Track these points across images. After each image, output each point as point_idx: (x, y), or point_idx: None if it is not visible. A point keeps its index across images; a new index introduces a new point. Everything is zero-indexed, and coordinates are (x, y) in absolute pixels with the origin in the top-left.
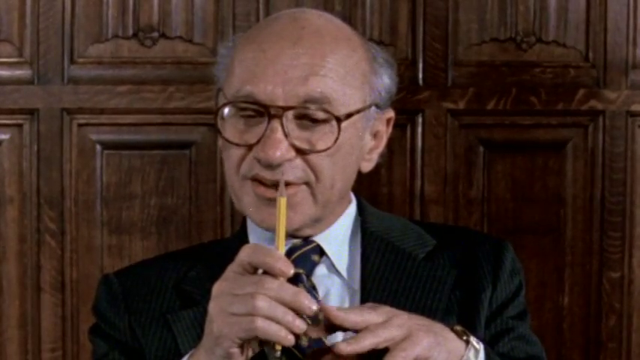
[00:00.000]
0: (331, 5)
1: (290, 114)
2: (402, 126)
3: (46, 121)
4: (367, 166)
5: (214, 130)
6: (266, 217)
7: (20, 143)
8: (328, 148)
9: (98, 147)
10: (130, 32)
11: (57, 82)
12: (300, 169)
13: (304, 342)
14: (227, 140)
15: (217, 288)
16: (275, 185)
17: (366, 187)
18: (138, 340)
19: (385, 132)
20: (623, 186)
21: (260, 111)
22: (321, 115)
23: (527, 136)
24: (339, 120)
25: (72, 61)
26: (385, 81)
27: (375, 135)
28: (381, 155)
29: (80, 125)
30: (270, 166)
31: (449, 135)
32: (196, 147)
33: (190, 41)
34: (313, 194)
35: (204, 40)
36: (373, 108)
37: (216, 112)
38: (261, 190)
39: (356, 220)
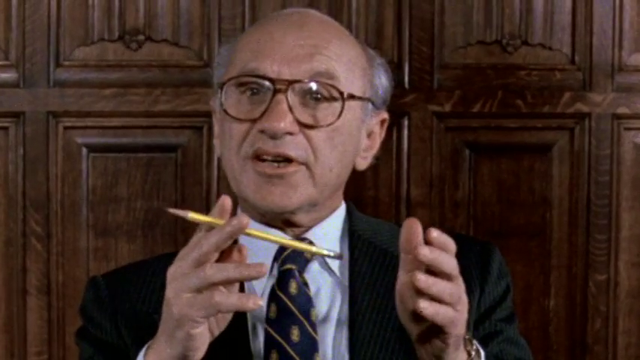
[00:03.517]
0: (317, 8)
1: (295, 88)
2: (387, 129)
3: (32, 124)
4: (362, 164)
5: (199, 132)
6: (266, 195)
7: (6, 146)
8: (331, 124)
9: (84, 150)
10: (116, 35)
11: (43, 85)
12: (302, 147)
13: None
14: (231, 116)
15: (170, 273)
16: (276, 161)
17: (351, 190)
18: (124, 342)
19: (379, 134)
20: (608, 189)
21: (265, 85)
22: (325, 91)
23: (513, 138)
24: (343, 95)
25: (58, 64)
26: (383, 81)
27: (370, 135)
28: (376, 157)
29: (66, 128)
30: (274, 137)
31: (435, 138)
32: (182, 150)
33: (176, 44)
34: (312, 176)
35: (190, 43)
36: (370, 105)
37: (220, 88)
38: (261, 166)
39: (344, 223)
